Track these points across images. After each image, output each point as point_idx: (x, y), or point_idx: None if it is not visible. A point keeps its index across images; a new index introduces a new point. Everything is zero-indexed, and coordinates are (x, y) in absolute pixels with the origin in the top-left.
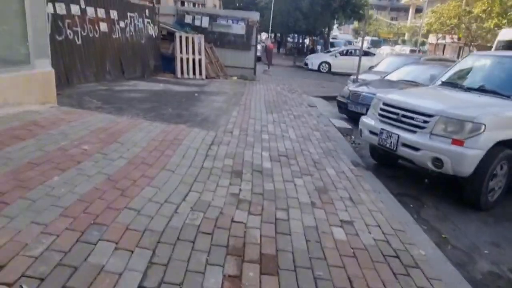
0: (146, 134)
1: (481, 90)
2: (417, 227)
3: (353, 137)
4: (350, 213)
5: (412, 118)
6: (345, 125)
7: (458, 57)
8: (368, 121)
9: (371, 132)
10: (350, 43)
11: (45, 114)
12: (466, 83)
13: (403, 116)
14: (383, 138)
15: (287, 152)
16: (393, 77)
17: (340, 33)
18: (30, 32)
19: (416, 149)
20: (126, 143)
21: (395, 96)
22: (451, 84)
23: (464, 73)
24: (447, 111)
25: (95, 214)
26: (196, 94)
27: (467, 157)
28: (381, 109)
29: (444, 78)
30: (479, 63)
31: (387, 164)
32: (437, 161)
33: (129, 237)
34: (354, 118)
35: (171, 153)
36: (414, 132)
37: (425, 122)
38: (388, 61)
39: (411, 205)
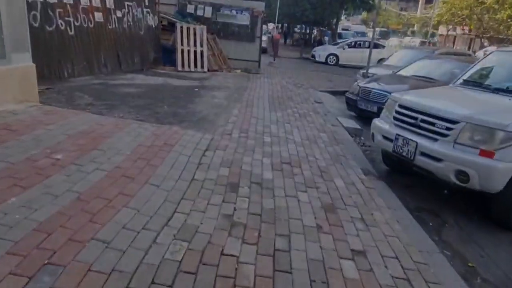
0: (133, 139)
1: (510, 91)
2: (441, 257)
3: (362, 138)
4: (362, 239)
5: (433, 124)
6: (354, 124)
7: (469, 49)
8: (382, 124)
9: (385, 138)
10: (364, 34)
11: (21, 115)
12: (493, 82)
13: (423, 121)
14: (398, 145)
15: (291, 158)
16: (406, 72)
17: (352, 23)
18: (5, 23)
19: (438, 159)
20: (108, 151)
21: (413, 98)
22: (475, 83)
23: (489, 71)
24: (474, 117)
25: (52, 249)
26: (196, 89)
27: (497, 171)
28: (397, 112)
29: (466, 76)
30: (506, 60)
31: (401, 171)
32: (462, 175)
33: (89, 282)
34: (364, 116)
35: (159, 162)
36: (435, 140)
37: (449, 129)
38: (400, 54)
39: (431, 224)
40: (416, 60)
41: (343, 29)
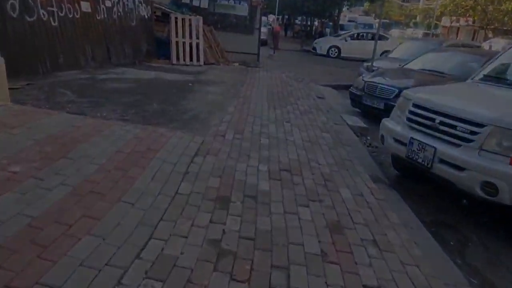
0: (111, 144)
1: None
2: None
3: (369, 138)
4: (375, 269)
5: (455, 127)
6: (360, 122)
7: (472, 41)
8: (393, 125)
9: (397, 141)
10: (371, 26)
11: None
12: None
13: (442, 123)
14: (413, 150)
15: (291, 164)
16: (414, 65)
17: (358, 15)
18: None
19: (460, 168)
20: (78, 159)
21: (430, 96)
22: (498, 79)
23: None
24: (504, 120)
25: None
26: (190, 84)
27: None
28: (411, 112)
29: (487, 71)
30: None
31: (413, 177)
32: (489, 187)
33: None
34: (369, 113)
35: (138, 172)
36: (458, 145)
37: (473, 133)
38: (405, 46)
39: (451, 242)
40: (423, 52)
41: (349, 21)
